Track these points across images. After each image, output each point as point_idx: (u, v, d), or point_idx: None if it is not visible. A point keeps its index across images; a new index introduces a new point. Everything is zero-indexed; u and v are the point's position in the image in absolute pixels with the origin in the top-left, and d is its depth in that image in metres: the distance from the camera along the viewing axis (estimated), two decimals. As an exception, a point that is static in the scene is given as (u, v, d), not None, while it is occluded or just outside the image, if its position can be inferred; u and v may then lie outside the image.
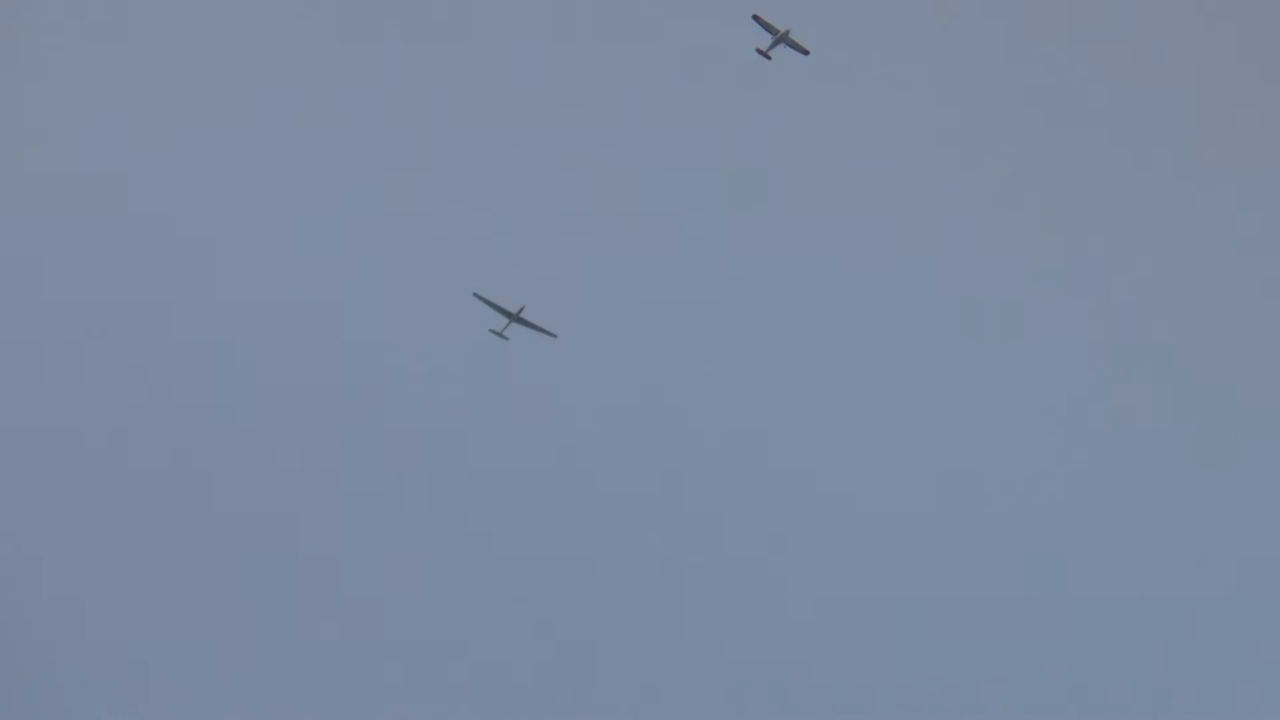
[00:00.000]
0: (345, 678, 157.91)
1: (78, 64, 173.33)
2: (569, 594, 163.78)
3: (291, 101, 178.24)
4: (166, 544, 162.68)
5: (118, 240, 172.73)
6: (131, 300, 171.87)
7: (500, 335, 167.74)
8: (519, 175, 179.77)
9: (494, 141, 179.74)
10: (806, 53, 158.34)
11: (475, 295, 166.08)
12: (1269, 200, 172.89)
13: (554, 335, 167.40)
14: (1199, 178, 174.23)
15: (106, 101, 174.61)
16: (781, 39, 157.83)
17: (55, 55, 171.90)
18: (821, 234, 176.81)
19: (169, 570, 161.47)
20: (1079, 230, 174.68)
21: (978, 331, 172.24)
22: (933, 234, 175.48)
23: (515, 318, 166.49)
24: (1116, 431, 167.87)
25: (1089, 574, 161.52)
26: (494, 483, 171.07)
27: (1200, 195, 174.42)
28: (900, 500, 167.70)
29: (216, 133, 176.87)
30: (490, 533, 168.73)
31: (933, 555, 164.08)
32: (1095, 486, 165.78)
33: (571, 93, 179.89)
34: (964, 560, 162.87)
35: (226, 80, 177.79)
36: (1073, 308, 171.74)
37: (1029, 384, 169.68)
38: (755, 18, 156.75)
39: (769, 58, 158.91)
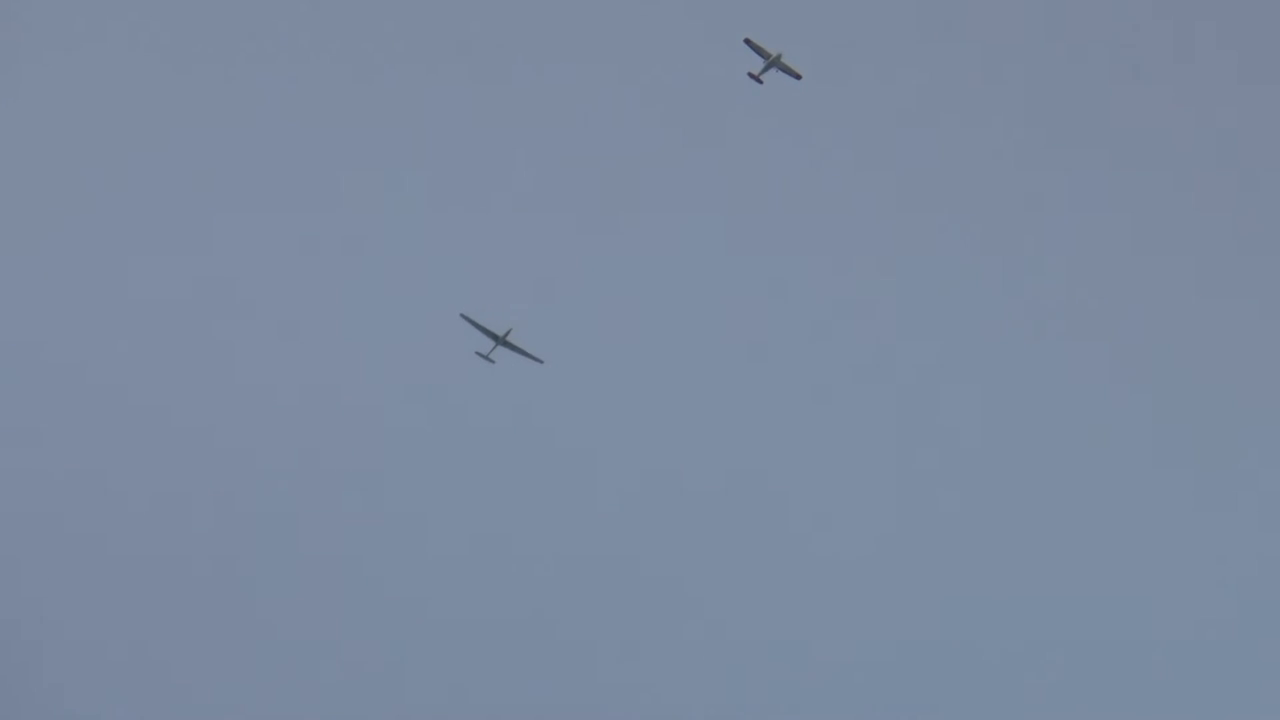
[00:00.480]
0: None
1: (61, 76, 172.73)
2: (556, 642, 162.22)
3: (281, 111, 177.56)
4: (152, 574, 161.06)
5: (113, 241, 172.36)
6: (120, 304, 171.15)
7: (487, 358, 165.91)
8: (510, 196, 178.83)
9: (488, 161, 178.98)
10: (799, 77, 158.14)
11: (462, 316, 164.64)
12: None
13: (541, 361, 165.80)
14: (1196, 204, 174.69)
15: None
16: (774, 63, 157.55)
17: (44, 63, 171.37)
18: (815, 259, 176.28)
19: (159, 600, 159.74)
20: (1090, 248, 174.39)
21: (979, 358, 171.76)
22: (931, 257, 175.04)
23: (502, 341, 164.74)
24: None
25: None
26: (474, 511, 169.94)
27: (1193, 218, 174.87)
28: (899, 522, 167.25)
29: (209, 149, 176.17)
30: (472, 559, 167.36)
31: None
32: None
33: (562, 115, 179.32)
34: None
35: (216, 92, 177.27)
36: (1084, 338, 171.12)
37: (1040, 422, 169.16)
38: (747, 41, 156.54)
39: (761, 82, 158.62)
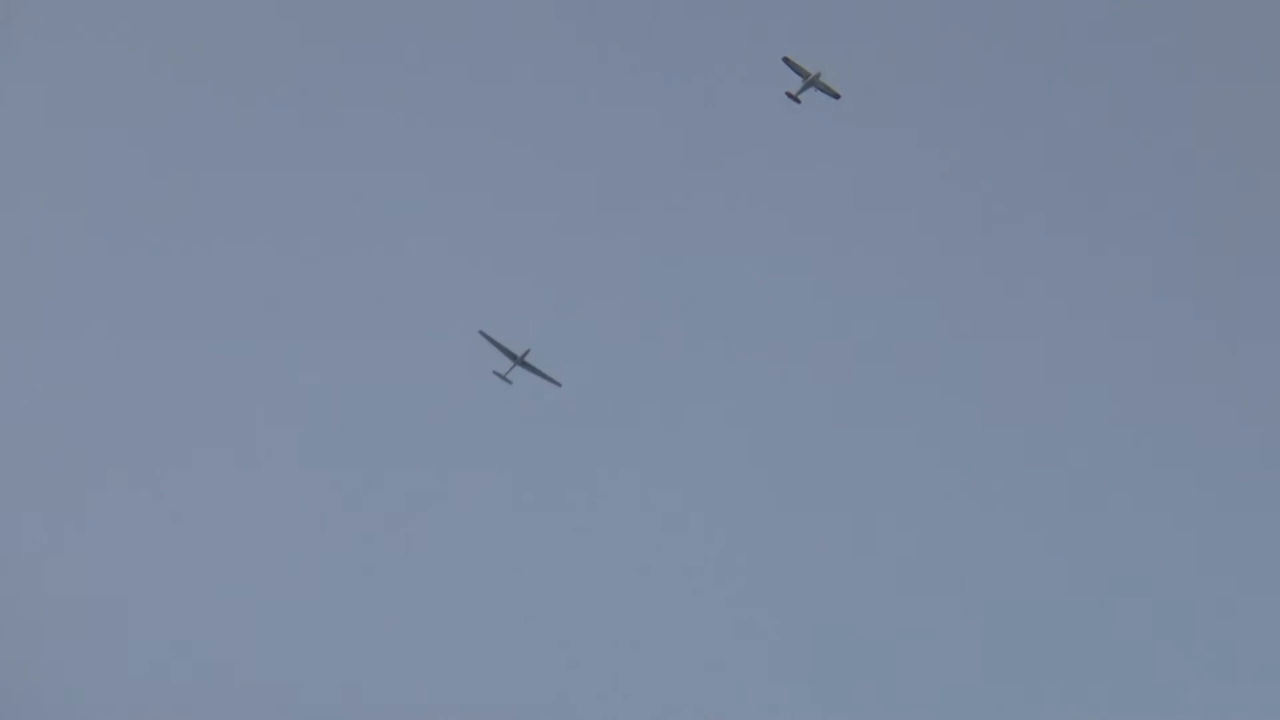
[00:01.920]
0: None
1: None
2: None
3: (297, 111, 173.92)
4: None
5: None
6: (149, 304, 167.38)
7: (504, 378, 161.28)
8: (535, 221, 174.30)
9: (513, 180, 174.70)
10: (838, 96, 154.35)
11: (481, 333, 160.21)
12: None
13: (559, 384, 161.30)
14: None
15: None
16: (812, 82, 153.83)
17: None
18: (842, 266, 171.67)
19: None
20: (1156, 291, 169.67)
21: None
22: (982, 313, 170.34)
23: (520, 361, 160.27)
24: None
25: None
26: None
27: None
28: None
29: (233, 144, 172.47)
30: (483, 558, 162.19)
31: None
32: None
33: (594, 134, 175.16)
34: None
35: (236, 90, 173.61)
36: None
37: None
38: (785, 60, 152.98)
39: (799, 101, 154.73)
